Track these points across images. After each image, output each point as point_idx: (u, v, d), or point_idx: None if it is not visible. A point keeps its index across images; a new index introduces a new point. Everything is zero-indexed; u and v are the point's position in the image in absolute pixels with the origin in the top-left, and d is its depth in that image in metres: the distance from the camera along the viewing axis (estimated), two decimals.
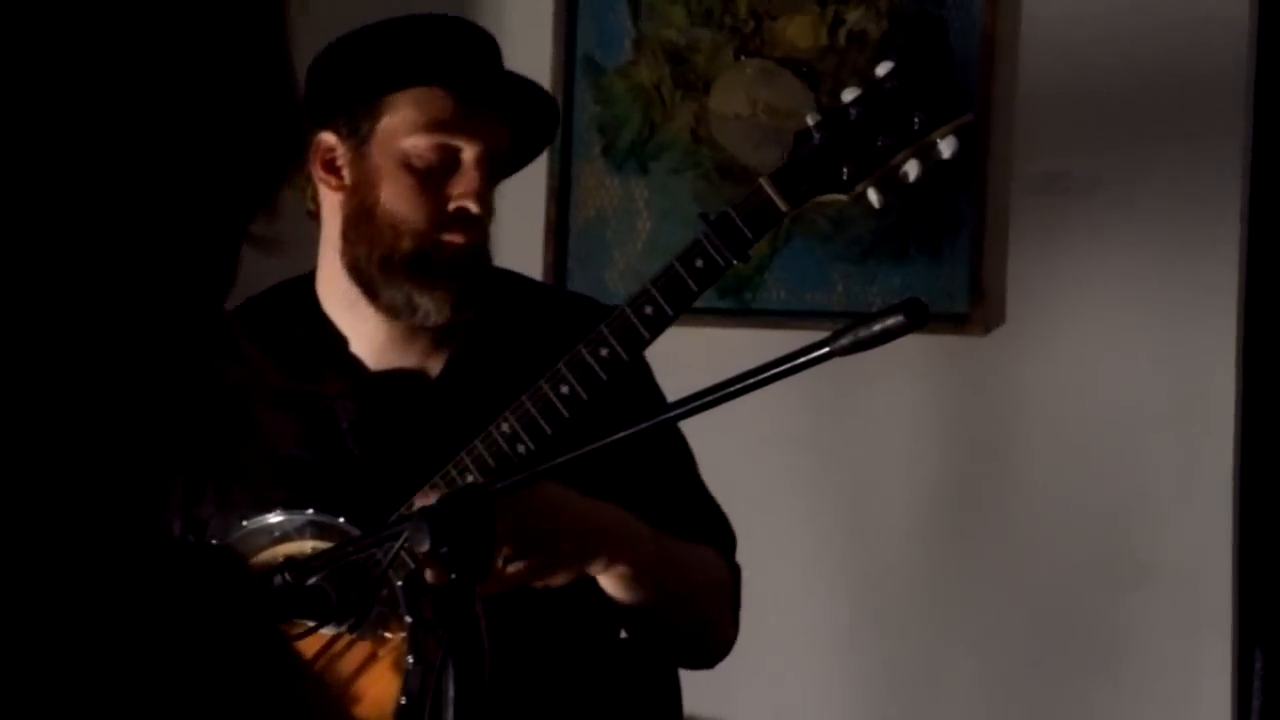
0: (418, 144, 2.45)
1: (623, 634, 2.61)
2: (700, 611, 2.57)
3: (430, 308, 2.47)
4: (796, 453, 3.57)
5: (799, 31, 3.59)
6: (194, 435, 0.88)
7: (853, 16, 3.56)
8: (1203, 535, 3.40)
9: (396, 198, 2.46)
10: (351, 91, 2.49)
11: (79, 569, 0.83)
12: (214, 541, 2.36)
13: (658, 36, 3.66)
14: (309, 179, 2.51)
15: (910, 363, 3.40)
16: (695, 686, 2.68)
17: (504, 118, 2.51)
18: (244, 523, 2.38)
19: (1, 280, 0.82)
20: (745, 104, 3.60)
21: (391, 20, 2.50)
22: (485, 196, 2.47)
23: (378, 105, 2.46)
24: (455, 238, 2.46)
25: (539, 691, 2.48)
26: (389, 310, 2.49)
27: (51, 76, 0.82)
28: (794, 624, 3.47)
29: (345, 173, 2.49)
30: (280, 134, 0.90)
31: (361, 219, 2.48)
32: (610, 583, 2.43)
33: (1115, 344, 3.45)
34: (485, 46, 2.52)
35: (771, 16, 3.60)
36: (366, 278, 2.48)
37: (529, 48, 3.69)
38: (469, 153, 2.46)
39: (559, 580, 2.36)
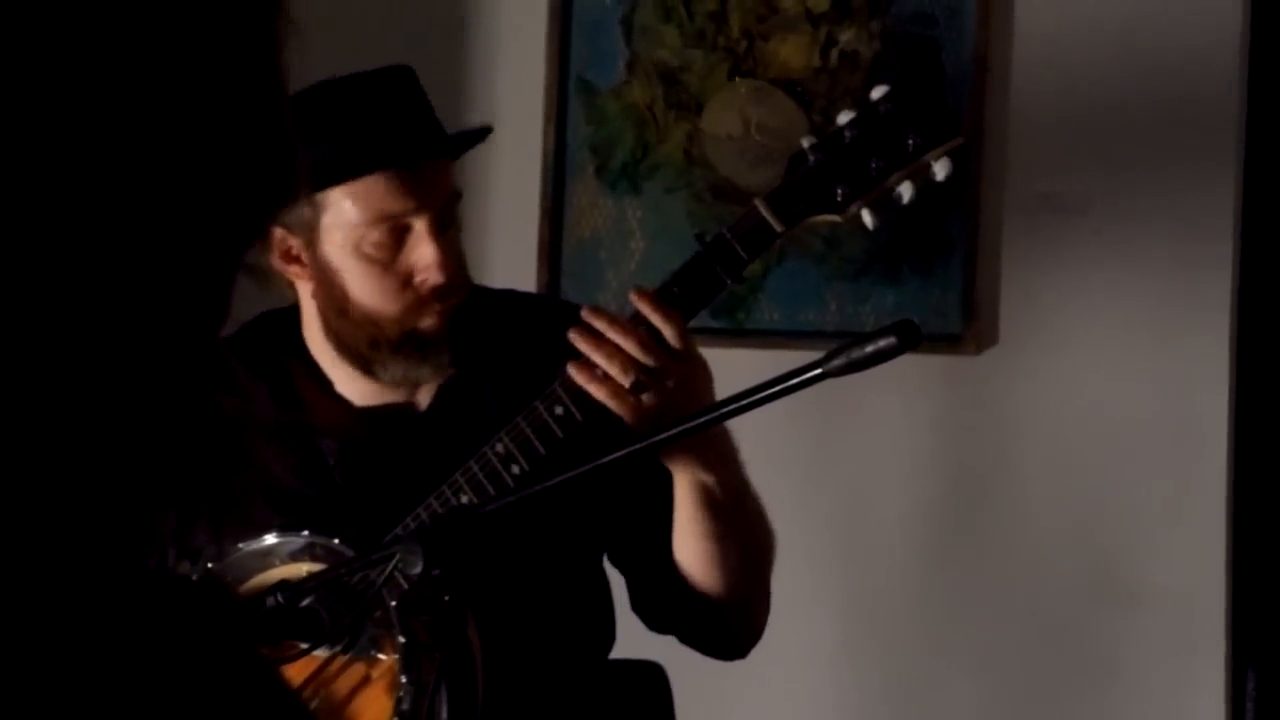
0: (367, 235, 2.41)
1: (613, 655, 2.61)
2: (753, 568, 2.53)
3: (428, 373, 2.46)
4: (789, 472, 3.57)
5: (792, 52, 3.59)
6: (188, 466, 0.88)
7: (845, 37, 3.57)
8: (1196, 556, 3.40)
9: (364, 291, 2.43)
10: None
11: (62, 600, 0.83)
12: (209, 565, 2.36)
13: (651, 57, 3.66)
14: (271, 273, 2.46)
15: (903, 382, 3.40)
16: (689, 705, 2.68)
17: (445, 162, 2.48)
18: (239, 546, 2.38)
19: None
20: (738, 124, 3.61)
21: (307, 100, 2.36)
22: (449, 257, 2.43)
23: (316, 200, 2.42)
24: (434, 312, 2.44)
25: (532, 712, 2.47)
26: (389, 383, 2.48)
27: (46, 107, 0.82)
28: (788, 642, 3.47)
29: (306, 262, 2.46)
30: (274, 163, 0.90)
31: (337, 310, 2.45)
32: (693, 488, 2.41)
33: (1108, 364, 3.45)
34: (407, 96, 2.47)
35: (764, 37, 3.61)
36: (360, 359, 2.47)
37: (522, 68, 3.70)
38: (420, 224, 2.42)
39: (655, 414, 2.31)
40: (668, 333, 2.34)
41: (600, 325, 2.35)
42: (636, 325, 2.34)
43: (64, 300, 0.83)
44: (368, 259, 2.41)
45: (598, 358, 2.34)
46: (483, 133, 2.58)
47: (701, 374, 2.38)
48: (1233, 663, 3.40)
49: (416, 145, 2.44)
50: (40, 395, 0.83)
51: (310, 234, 2.43)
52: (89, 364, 0.84)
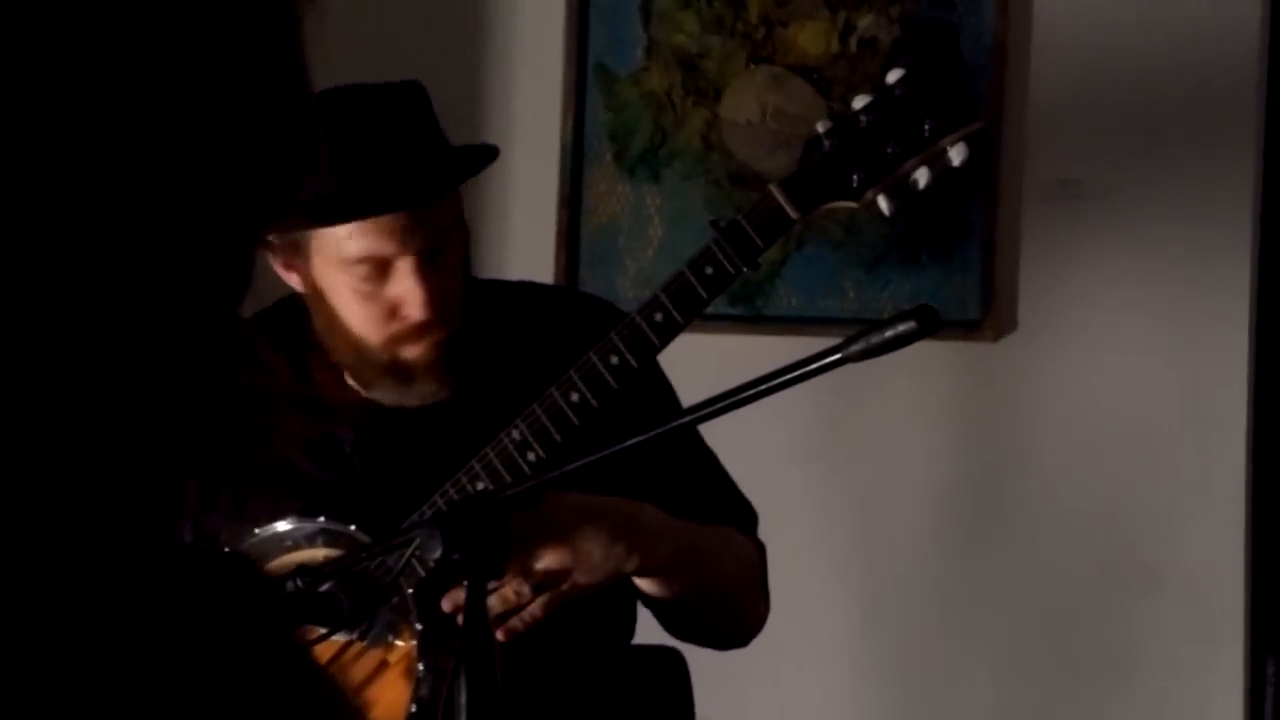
0: (353, 270, 2.39)
1: (633, 640, 2.61)
2: (732, 593, 2.55)
3: (415, 399, 2.46)
4: (808, 458, 3.57)
5: (810, 38, 3.59)
6: (211, 440, 0.88)
7: (864, 23, 3.56)
8: (1215, 542, 3.39)
9: (351, 318, 2.42)
10: None
11: (93, 574, 0.83)
12: (226, 549, 2.36)
13: (669, 43, 3.66)
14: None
15: (922, 369, 3.40)
16: (707, 691, 2.68)
17: (435, 202, 2.42)
18: (255, 530, 2.38)
19: (20, 285, 0.82)
20: (756, 111, 3.60)
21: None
22: (433, 294, 2.39)
23: (301, 235, 2.41)
24: (419, 343, 2.42)
25: (550, 698, 2.48)
26: (383, 399, 2.48)
27: (68, 84, 0.82)
28: (805, 629, 3.47)
29: (300, 273, 2.46)
30: (295, 139, 0.90)
31: (328, 327, 2.45)
32: (643, 579, 2.43)
33: (1127, 350, 3.44)
34: (405, 126, 2.41)
35: (783, 23, 3.60)
36: (355, 372, 2.47)
37: (540, 54, 3.69)
38: (404, 263, 2.39)
39: (592, 588, 2.34)
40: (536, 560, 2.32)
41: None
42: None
43: (87, 272, 0.83)
44: (351, 290, 2.40)
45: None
46: (488, 156, 2.51)
47: (602, 522, 2.35)
48: (1252, 651, 3.39)
49: (396, 195, 2.39)
50: (63, 366, 0.83)
51: (302, 253, 2.42)
52: (112, 335, 0.84)
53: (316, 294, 2.44)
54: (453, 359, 2.44)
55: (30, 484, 0.83)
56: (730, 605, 2.56)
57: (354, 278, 2.39)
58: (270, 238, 2.34)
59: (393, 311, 2.41)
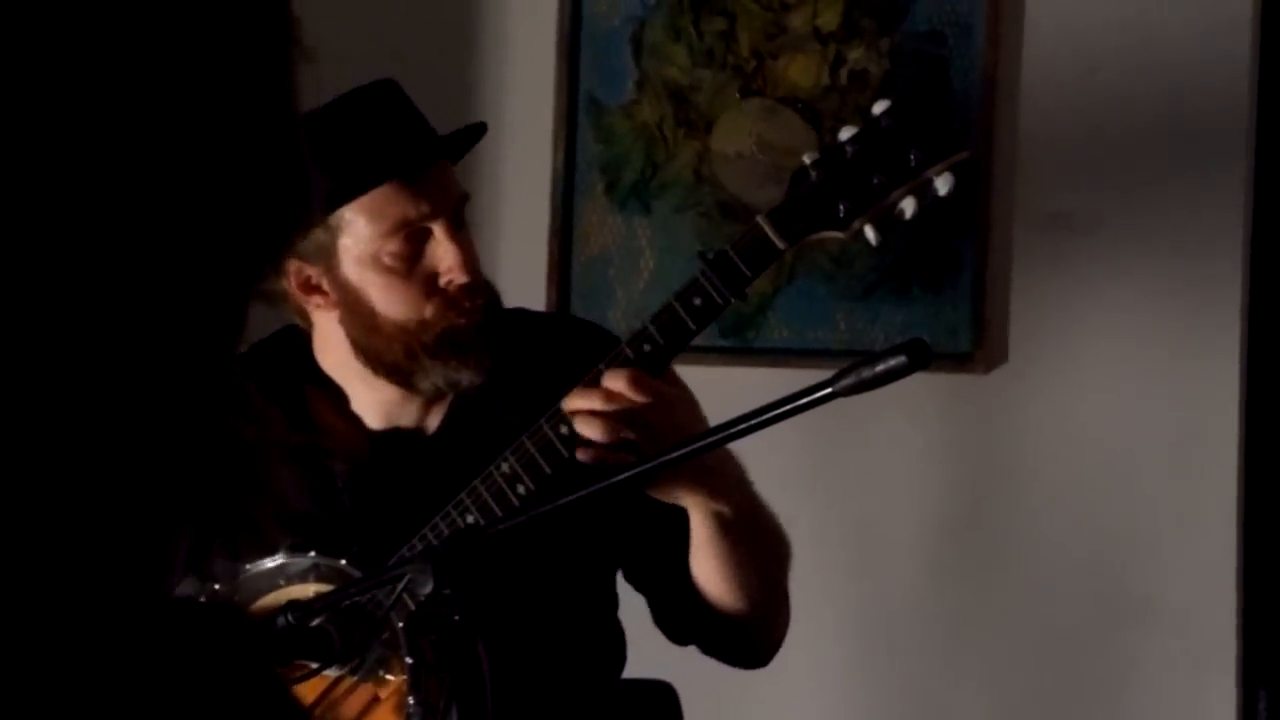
0: (386, 247, 2.42)
1: (624, 674, 2.61)
2: (772, 583, 2.53)
3: (468, 375, 2.46)
4: (799, 490, 3.56)
5: (801, 71, 3.59)
6: (204, 488, 0.88)
7: (854, 56, 3.57)
8: (1206, 572, 3.39)
9: (391, 304, 2.44)
10: None
11: (78, 626, 0.83)
12: (218, 586, 2.36)
13: (660, 76, 3.66)
14: (285, 297, 2.47)
15: (913, 401, 3.40)
16: None
17: (448, 164, 2.50)
18: (246, 566, 2.38)
19: (11, 333, 0.82)
20: (747, 143, 3.61)
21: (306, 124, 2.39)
22: (471, 256, 2.46)
23: (330, 224, 2.42)
24: (465, 311, 2.45)
25: None
26: (429, 391, 2.48)
27: (60, 129, 0.82)
28: (799, 661, 3.46)
29: (328, 289, 2.46)
30: (289, 186, 0.90)
31: (368, 330, 2.45)
32: (706, 518, 2.41)
33: (1118, 382, 3.44)
34: (397, 106, 2.48)
35: (773, 56, 3.61)
36: (399, 373, 2.47)
37: (531, 86, 3.70)
38: (437, 227, 2.44)
39: (643, 449, 2.32)
40: (630, 391, 2.34)
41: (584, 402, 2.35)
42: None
43: (79, 320, 0.83)
44: (389, 270, 2.42)
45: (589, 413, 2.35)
46: (478, 130, 2.59)
47: (682, 406, 2.38)
48: (1243, 681, 3.39)
49: (419, 151, 2.45)
50: (55, 415, 0.83)
51: (329, 259, 2.43)
52: (104, 385, 0.84)
53: (349, 301, 2.45)
54: (492, 331, 2.45)
55: (20, 533, 0.83)
56: (766, 596, 2.53)
57: (390, 258, 2.41)
58: (292, 261, 2.39)
59: (433, 285, 2.43)
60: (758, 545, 2.47)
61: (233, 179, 0.87)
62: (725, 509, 2.40)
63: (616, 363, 2.37)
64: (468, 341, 2.44)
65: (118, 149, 0.83)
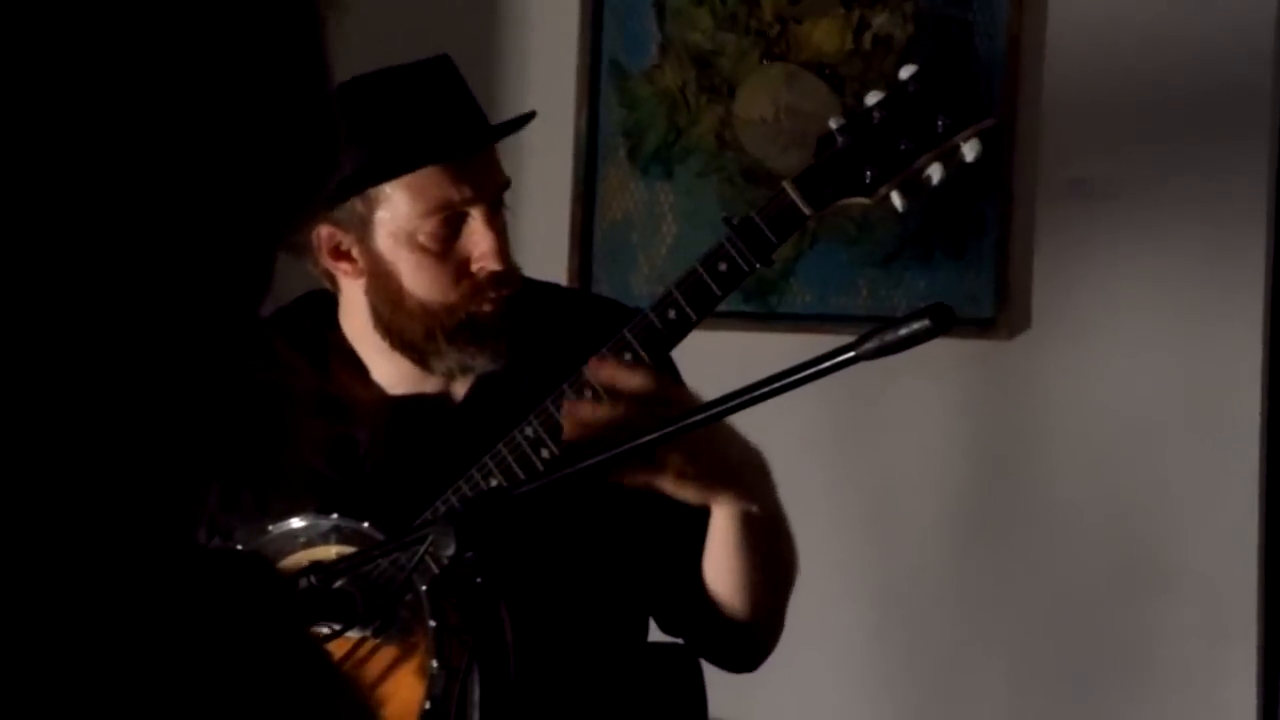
0: (423, 227, 2.42)
1: (650, 637, 2.61)
2: (779, 593, 2.53)
3: (485, 362, 2.46)
4: (822, 456, 3.57)
5: (824, 35, 3.58)
6: (233, 441, 0.88)
7: (878, 20, 3.56)
8: (1228, 540, 3.39)
9: (420, 283, 2.43)
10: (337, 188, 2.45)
11: (110, 576, 0.83)
12: (240, 548, 2.36)
13: (683, 40, 3.66)
14: (314, 260, 2.47)
15: (935, 367, 3.40)
16: (720, 690, 2.68)
17: (494, 150, 2.49)
18: (270, 527, 2.38)
19: (41, 288, 0.82)
20: (770, 108, 3.60)
21: (357, 91, 2.39)
22: (505, 245, 2.45)
23: (369, 195, 2.42)
24: (490, 299, 2.45)
25: (564, 695, 2.48)
26: (442, 372, 2.48)
27: (90, 86, 0.82)
28: (818, 627, 3.47)
29: (357, 258, 2.46)
30: (317, 140, 0.90)
31: (392, 304, 2.45)
32: (732, 514, 2.41)
33: (1140, 348, 3.44)
34: (451, 87, 2.47)
35: (797, 20, 3.60)
36: (415, 351, 2.47)
37: (554, 51, 3.70)
38: (476, 213, 2.43)
39: (651, 422, 2.29)
40: (631, 385, 2.34)
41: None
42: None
43: (107, 275, 0.83)
44: (422, 250, 2.42)
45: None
46: (525, 119, 2.58)
47: (685, 394, 2.38)
48: (1265, 648, 3.39)
49: (469, 136, 2.45)
50: (85, 369, 0.83)
51: (363, 229, 2.43)
52: (134, 338, 0.84)
53: (378, 274, 2.45)
54: (513, 320, 2.45)
55: (50, 486, 0.83)
56: (772, 599, 2.53)
57: (426, 238, 2.41)
58: (325, 226, 2.40)
59: (464, 269, 2.43)
60: (774, 552, 2.48)
61: (260, 127, 0.87)
62: (753, 509, 2.40)
63: (641, 327, 2.37)
64: (489, 329, 2.44)
65: (149, 100, 0.83)
